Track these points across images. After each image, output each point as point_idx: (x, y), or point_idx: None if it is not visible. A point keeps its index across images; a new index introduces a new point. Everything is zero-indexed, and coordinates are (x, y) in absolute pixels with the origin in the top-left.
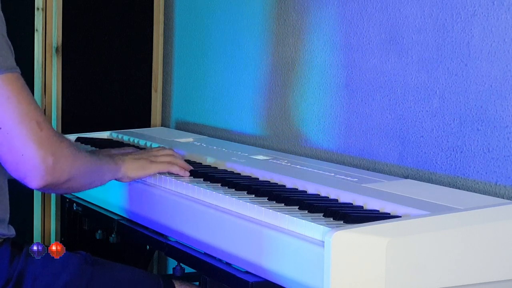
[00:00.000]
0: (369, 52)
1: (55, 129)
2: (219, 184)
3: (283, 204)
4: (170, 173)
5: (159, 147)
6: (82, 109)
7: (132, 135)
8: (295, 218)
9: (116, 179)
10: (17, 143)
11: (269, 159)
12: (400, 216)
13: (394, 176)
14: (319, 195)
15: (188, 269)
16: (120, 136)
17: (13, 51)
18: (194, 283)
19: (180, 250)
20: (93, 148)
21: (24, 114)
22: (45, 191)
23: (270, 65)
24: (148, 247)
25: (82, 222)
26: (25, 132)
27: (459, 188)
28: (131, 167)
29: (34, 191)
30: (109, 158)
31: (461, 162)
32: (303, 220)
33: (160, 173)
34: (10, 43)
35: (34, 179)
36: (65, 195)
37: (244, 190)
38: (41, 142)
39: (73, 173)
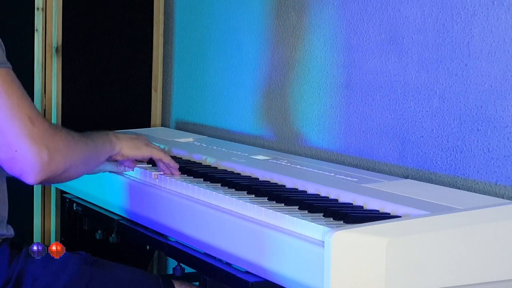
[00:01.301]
0: (369, 52)
1: None
2: (219, 184)
3: (283, 204)
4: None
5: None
6: (82, 109)
7: None
8: (295, 218)
9: (111, 156)
10: (10, 139)
11: (269, 159)
12: (400, 216)
13: (394, 176)
14: (319, 195)
15: (188, 269)
16: None
17: (3, 47)
18: (194, 283)
19: (180, 250)
20: None
21: (16, 109)
22: (43, 184)
23: (270, 65)
24: (148, 247)
25: (82, 222)
26: (17, 127)
27: (459, 188)
28: (126, 145)
29: (34, 190)
30: (104, 137)
31: (461, 162)
32: (303, 220)
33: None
34: (0, 39)
35: (30, 175)
36: (65, 195)
37: (244, 190)
38: (34, 137)
39: (69, 164)
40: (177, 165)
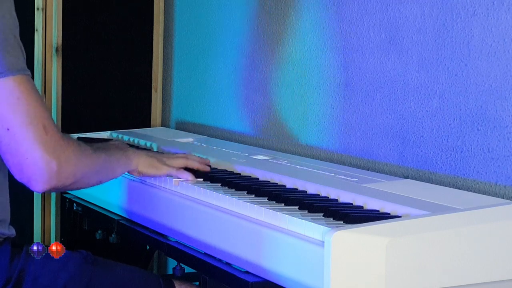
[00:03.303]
0: (369, 52)
1: None
2: (219, 184)
3: (283, 204)
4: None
5: (173, 153)
6: (82, 109)
7: (132, 135)
8: (295, 218)
9: (128, 172)
10: (23, 145)
11: (269, 159)
12: (400, 216)
13: (394, 176)
14: (319, 195)
15: (188, 269)
16: (120, 136)
17: (24, 53)
18: (194, 283)
19: (180, 250)
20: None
21: (32, 117)
22: (52, 192)
23: (270, 65)
24: (148, 247)
25: (82, 222)
26: (31, 134)
27: (459, 188)
28: (143, 163)
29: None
30: (120, 152)
31: (461, 162)
32: (303, 220)
33: (179, 180)
34: (22, 45)
35: (38, 183)
36: (64, 195)
37: (244, 190)
38: (46, 146)
39: (79, 176)
40: (203, 165)
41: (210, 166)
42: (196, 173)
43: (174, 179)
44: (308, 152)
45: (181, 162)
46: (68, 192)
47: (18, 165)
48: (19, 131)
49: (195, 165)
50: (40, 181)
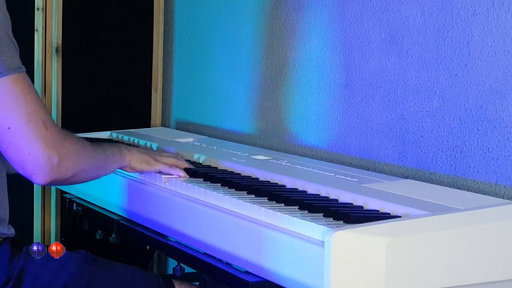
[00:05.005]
0: (369, 52)
1: None
2: (219, 184)
3: (283, 204)
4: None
5: (162, 150)
6: (82, 109)
7: (132, 135)
8: (295, 218)
9: (120, 168)
10: (25, 142)
11: (269, 159)
12: (400, 216)
13: (394, 176)
14: (319, 195)
15: (188, 269)
16: (120, 136)
17: (18, 49)
18: (194, 283)
19: (180, 250)
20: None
21: (32, 114)
22: (52, 185)
23: (270, 65)
24: (148, 247)
25: (82, 222)
26: (32, 132)
27: (459, 188)
28: (136, 159)
29: (34, 190)
30: (115, 148)
31: (461, 162)
32: (303, 220)
33: (160, 173)
34: (15, 41)
35: (40, 176)
36: (64, 195)
37: (244, 190)
38: (47, 141)
39: (77, 170)
40: (187, 177)
41: (191, 172)
42: (195, 173)
43: (163, 176)
44: (308, 152)
45: (172, 161)
46: (68, 192)
47: (21, 161)
48: (19, 130)
49: (184, 165)
50: (42, 175)
